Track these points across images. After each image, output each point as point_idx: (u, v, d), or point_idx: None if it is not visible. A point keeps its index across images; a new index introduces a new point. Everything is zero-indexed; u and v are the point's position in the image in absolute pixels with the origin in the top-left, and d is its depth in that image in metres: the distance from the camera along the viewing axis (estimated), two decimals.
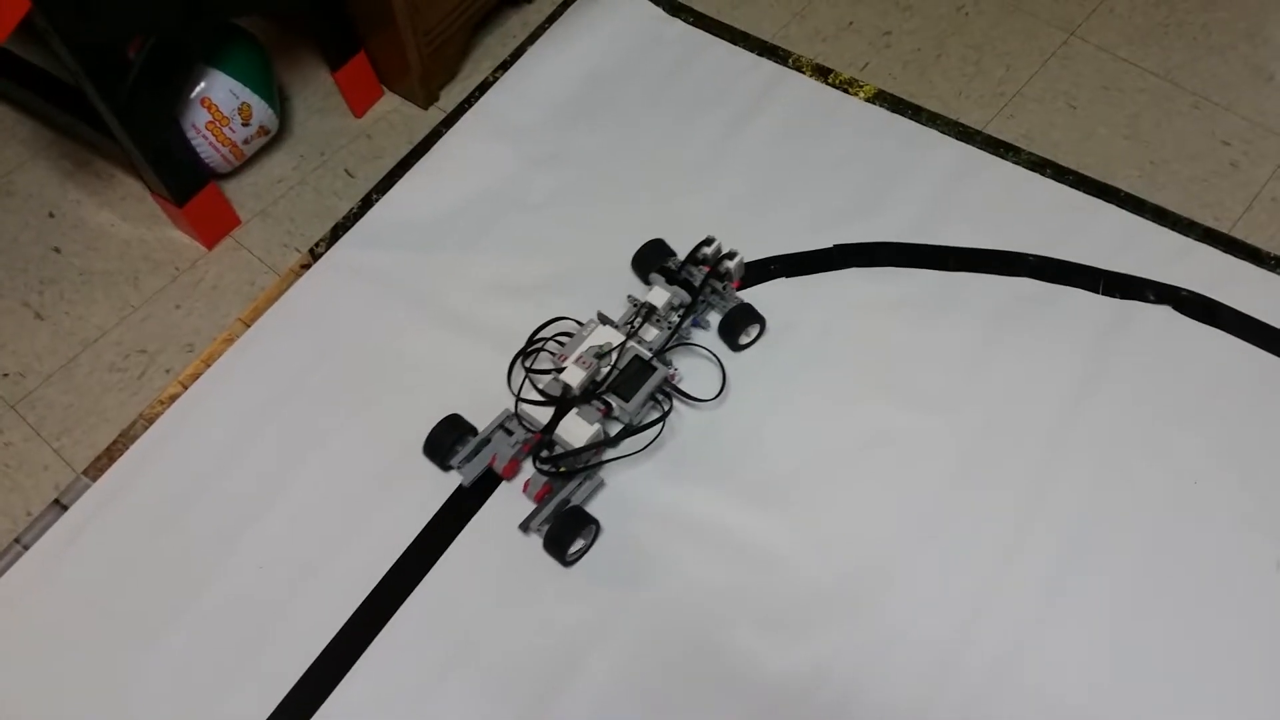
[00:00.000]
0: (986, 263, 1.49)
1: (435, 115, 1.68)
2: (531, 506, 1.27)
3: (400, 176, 1.59)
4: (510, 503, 1.29)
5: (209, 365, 1.40)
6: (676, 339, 1.38)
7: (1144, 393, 1.35)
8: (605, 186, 1.57)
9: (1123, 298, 1.43)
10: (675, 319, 1.37)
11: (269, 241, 1.55)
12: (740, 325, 1.38)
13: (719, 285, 1.42)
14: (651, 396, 1.32)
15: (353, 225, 1.53)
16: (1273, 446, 1.31)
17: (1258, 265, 1.46)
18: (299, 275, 1.49)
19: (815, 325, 1.43)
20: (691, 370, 1.39)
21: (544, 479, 1.25)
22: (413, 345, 1.42)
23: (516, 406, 1.32)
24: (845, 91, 1.67)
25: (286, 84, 1.70)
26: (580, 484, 1.27)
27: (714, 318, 1.43)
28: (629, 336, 1.33)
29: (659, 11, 1.77)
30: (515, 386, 1.37)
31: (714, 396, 1.37)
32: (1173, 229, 1.50)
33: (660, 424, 1.32)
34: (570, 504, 1.25)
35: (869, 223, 1.54)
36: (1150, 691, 1.16)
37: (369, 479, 1.31)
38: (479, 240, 1.52)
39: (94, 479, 1.32)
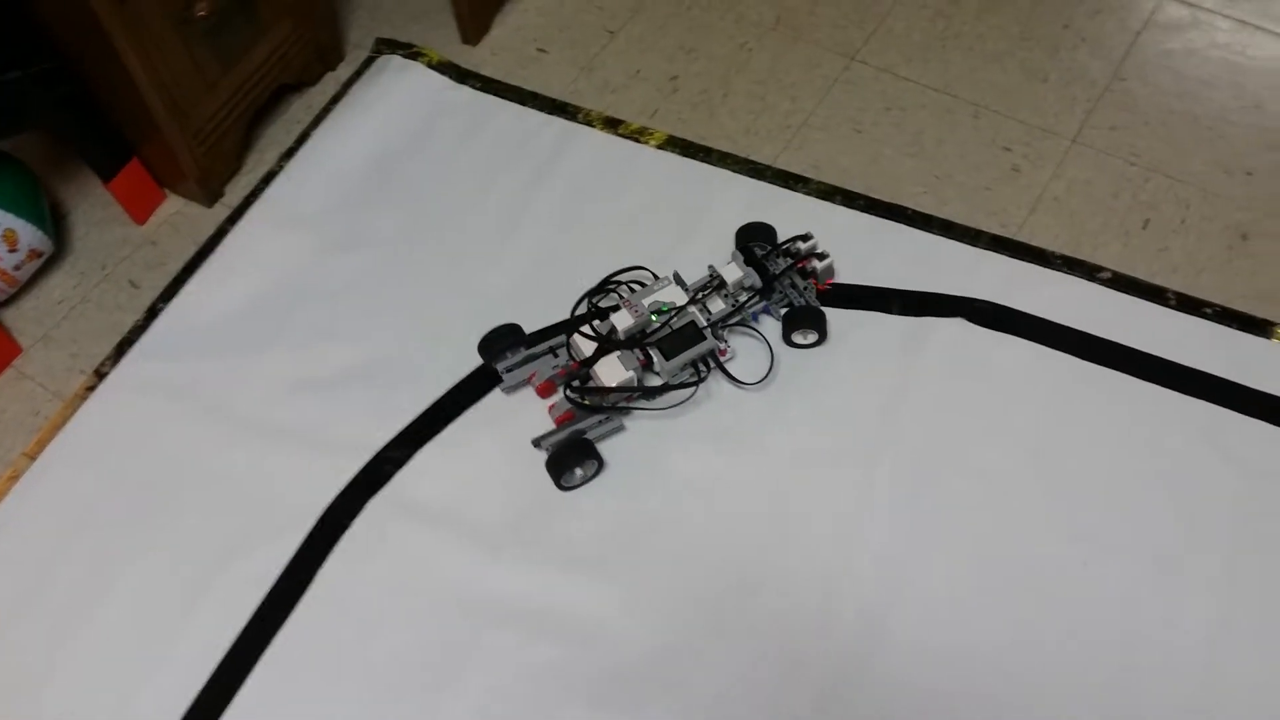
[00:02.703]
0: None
1: (221, 212, 1.63)
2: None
3: (187, 280, 1.54)
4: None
5: None
6: (738, 318, 1.38)
7: (946, 404, 1.35)
8: (402, 265, 1.54)
9: (918, 315, 1.44)
10: (743, 298, 1.37)
11: (53, 367, 1.48)
12: (801, 323, 1.38)
13: (800, 281, 1.40)
14: (693, 363, 1.34)
15: (138, 339, 1.48)
16: (1071, 446, 1.32)
17: (1044, 266, 1.48)
18: (84, 399, 1.43)
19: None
20: (748, 352, 1.41)
21: (568, 406, 1.31)
22: (211, 459, 1.37)
23: (570, 335, 1.34)
24: (636, 141, 1.67)
25: (63, 199, 1.64)
26: (601, 422, 1.31)
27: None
28: (690, 301, 1.35)
29: (445, 80, 1.75)
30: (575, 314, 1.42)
31: (756, 381, 1.37)
32: (961, 240, 1.52)
33: (692, 390, 1.34)
34: (584, 435, 1.29)
35: (672, 269, 1.53)
36: (976, 693, 1.16)
37: (172, 609, 1.25)
38: (275, 337, 1.48)
39: None
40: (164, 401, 1.42)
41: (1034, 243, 1.52)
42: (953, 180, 1.60)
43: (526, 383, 1.38)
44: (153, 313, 1.51)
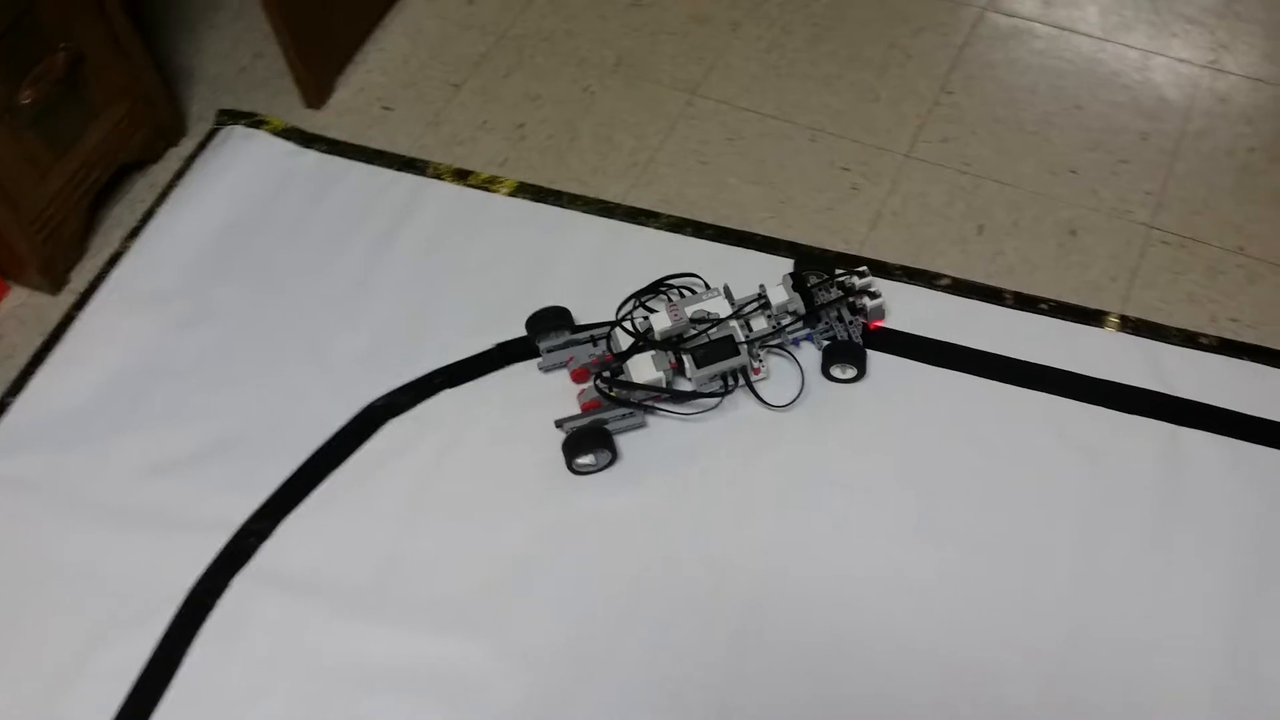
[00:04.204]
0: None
1: (68, 299, 1.60)
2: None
3: (35, 372, 1.51)
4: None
5: None
6: (777, 340, 1.41)
7: (820, 429, 1.39)
8: (254, 336, 1.53)
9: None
10: (785, 321, 1.40)
11: None
12: (839, 358, 1.39)
13: (847, 315, 1.41)
14: (723, 376, 1.37)
15: None
16: (929, 450, 1.36)
17: (887, 279, 1.53)
18: None
19: (487, 431, 1.43)
20: (784, 376, 1.43)
21: (595, 395, 1.35)
22: (68, 552, 1.35)
23: (613, 328, 1.39)
24: (487, 190, 1.69)
25: None
26: (624, 416, 1.35)
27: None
28: (732, 315, 1.37)
29: (290, 146, 1.75)
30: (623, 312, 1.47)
31: (782, 405, 1.38)
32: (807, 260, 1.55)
33: (717, 401, 1.37)
34: (605, 424, 1.33)
35: (529, 315, 1.54)
36: (854, 697, 1.19)
37: (34, 711, 1.22)
38: (128, 420, 1.45)
39: None
40: (16, 499, 1.38)
41: (876, 257, 1.56)
42: (796, 203, 1.65)
43: (564, 365, 1.42)
44: (0, 409, 1.47)
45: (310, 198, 1.69)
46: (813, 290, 1.42)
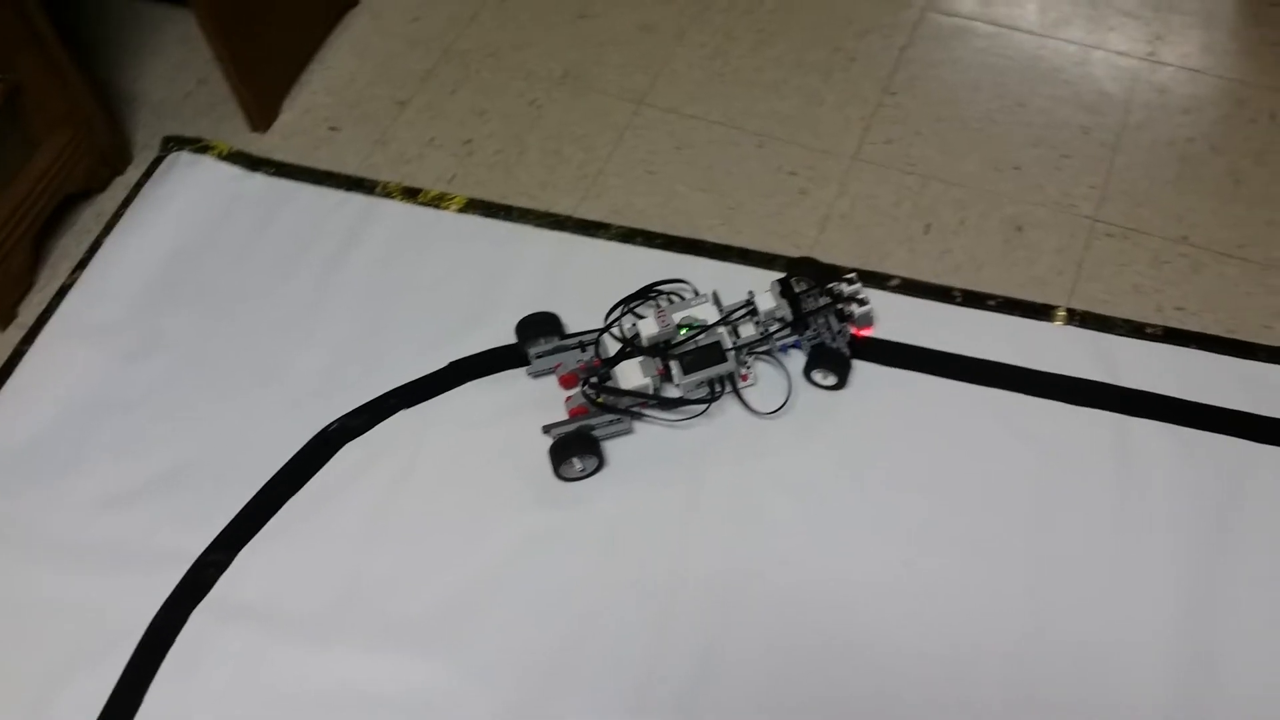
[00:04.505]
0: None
1: (15, 334, 1.59)
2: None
3: None
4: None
5: None
6: (765, 346, 1.40)
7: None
8: (206, 364, 1.52)
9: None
10: (773, 328, 1.40)
11: None
12: (821, 363, 1.39)
13: (835, 323, 1.41)
14: (710, 382, 1.37)
15: None
16: (881, 451, 1.37)
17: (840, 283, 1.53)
18: None
19: (443, 451, 1.42)
20: (773, 383, 1.43)
21: (583, 401, 1.36)
22: (23, 592, 1.33)
23: (600, 335, 1.40)
24: (436, 207, 1.68)
25: None
26: (611, 422, 1.35)
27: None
28: (719, 322, 1.38)
29: (237, 170, 1.74)
30: (611, 318, 1.47)
31: (769, 412, 1.38)
32: (758, 266, 1.56)
33: (703, 408, 1.38)
34: (593, 431, 1.34)
35: (483, 331, 1.54)
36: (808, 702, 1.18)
37: None
38: (81, 455, 1.44)
39: None
40: None
41: (826, 260, 1.57)
42: (745, 209, 1.65)
43: (551, 371, 1.43)
44: None
45: (258, 222, 1.68)
46: (801, 297, 1.42)
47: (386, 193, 1.71)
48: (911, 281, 1.53)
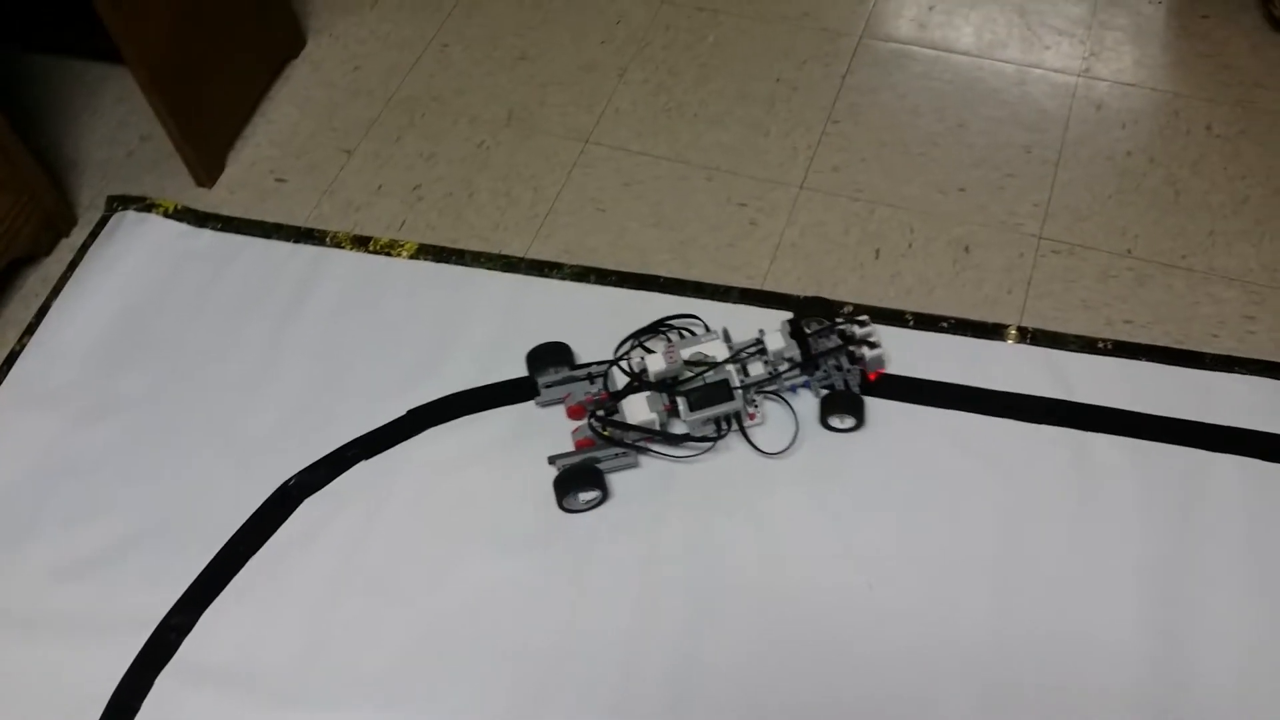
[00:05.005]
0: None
1: None
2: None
3: None
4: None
5: None
6: (773, 386, 1.39)
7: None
8: (158, 425, 1.50)
9: None
10: (782, 367, 1.39)
11: None
12: (836, 408, 1.38)
13: (845, 364, 1.39)
14: (716, 420, 1.36)
15: None
16: (840, 476, 1.39)
17: (790, 311, 1.54)
18: None
19: (402, 501, 1.41)
20: (780, 423, 1.42)
21: (589, 433, 1.36)
22: None
23: (610, 367, 1.42)
24: (388, 255, 1.68)
25: None
26: (617, 455, 1.36)
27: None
28: (729, 359, 1.38)
29: (184, 227, 1.73)
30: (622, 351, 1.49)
31: (775, 452, 1.37)
32: (712, 299, 1.57)
33: (709, 445, 1.38)
34: (598, 464, 1.34)
35: (440, 378, 1.54)
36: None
37: None
38: (34, 524, 1.42)
39: None
40: None
41: (779, 290, 1.58)
42: (696, 243, 1.66)
43: (561, 401, 1.43)
44: None
45: (208, 278, 1.67)
46: (810, 338, 1.42)
47: (336, 242, 1.70)
48: (863, 307, 1.54)
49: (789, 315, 1.48)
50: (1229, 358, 1.45)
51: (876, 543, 1.33)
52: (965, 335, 1.51)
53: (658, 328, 1.50)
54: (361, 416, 1.50)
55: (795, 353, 1.41)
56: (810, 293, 1.56)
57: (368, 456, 1.46)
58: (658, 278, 1.62)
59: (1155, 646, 1.23)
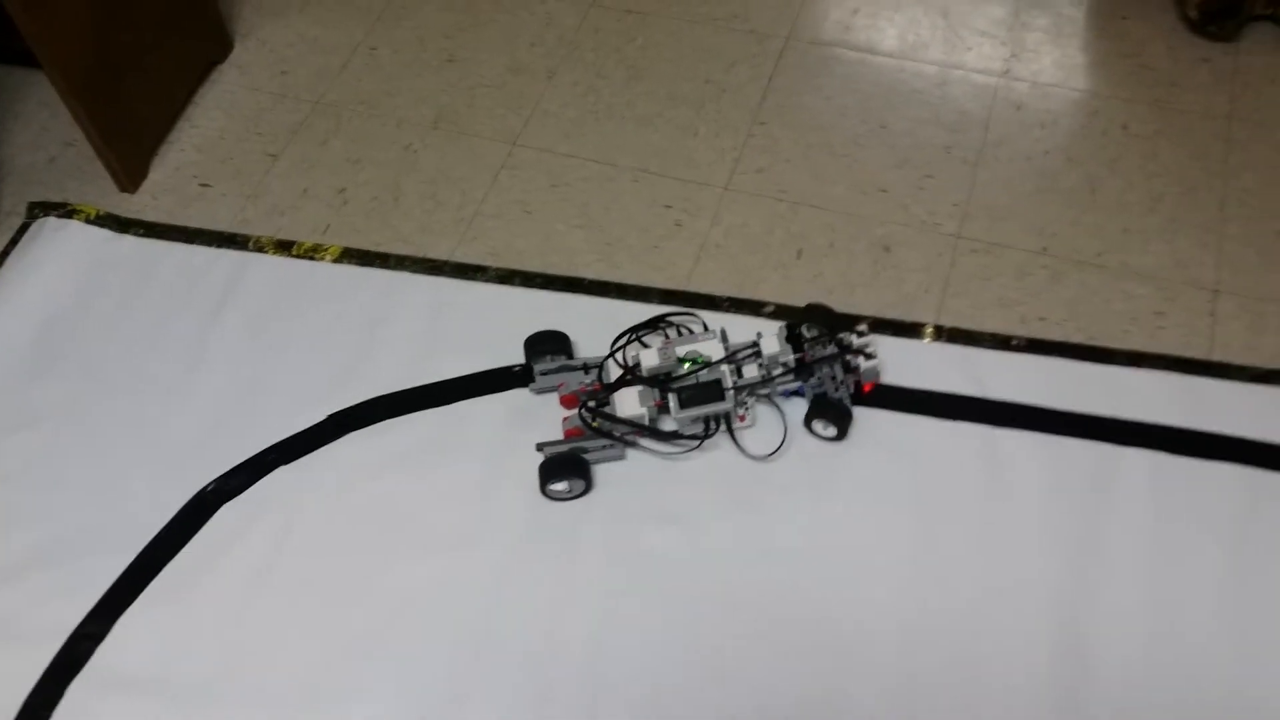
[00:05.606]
0: (480, 386, 1.51)
1: None
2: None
3: None
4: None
5: None
6: (766, 389, 1.39)
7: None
8: (78, 433, 1.49)
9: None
10: (776, 371, 1.39)
11: None
12: (820, 414, 1.37)
13: (840, 374, 1.39)
14: (705, 419, 1.37)
15: None
16: (760, 481, 1.39)
17: (715, 310, 1.56)
18: None
19: (323, 506, 1.41)
20: (770, 426, 1.43)
21: (579, 423, 1.36)
22: None
23: (606, 359, 1.42)
24: (312, 259, 1.67)
25: None
26: (604, 447, 1.37)
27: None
28: (723, 360, 1.38)
29: (105, 233, 1.71)
30: (618, 344, 1.48)
31: (762, 456, 1.38)
32: (636, 300, 1.58)
33: (696, 444, 1.39)
34: (585, 454, 1.35)
35: (363, 383, 1.53)
36: None
37: None
38: None
39: None
40: None
41: (703, 290, 1.59)
42: (623, 244, 1.67)
43: (555, 390, 1.44)
44: None
45: (130, 284, 1.65)
46: (806, 345, 1.42)
47: (260, 247, 1.70)
48: (785, 307, 1.56)
49: (786, 321, 1.47)
50: (1139, 354, 1.48)
51: (784, 541, 1.34)
52: (884, 334, 1.52)
53: (656, 324, 1.51)
54: (283, 422, 1.49)
55: (789, 358, 1.41)
56: (733, 294, 1.57)
57: (287, 461, 1.45)
58: (583, 279, 1.62)
59: (1060, 636, 1.25)
